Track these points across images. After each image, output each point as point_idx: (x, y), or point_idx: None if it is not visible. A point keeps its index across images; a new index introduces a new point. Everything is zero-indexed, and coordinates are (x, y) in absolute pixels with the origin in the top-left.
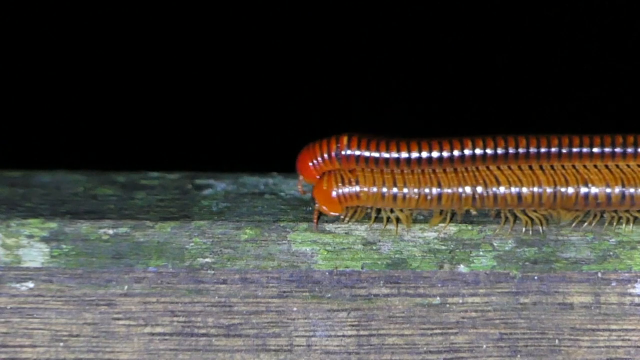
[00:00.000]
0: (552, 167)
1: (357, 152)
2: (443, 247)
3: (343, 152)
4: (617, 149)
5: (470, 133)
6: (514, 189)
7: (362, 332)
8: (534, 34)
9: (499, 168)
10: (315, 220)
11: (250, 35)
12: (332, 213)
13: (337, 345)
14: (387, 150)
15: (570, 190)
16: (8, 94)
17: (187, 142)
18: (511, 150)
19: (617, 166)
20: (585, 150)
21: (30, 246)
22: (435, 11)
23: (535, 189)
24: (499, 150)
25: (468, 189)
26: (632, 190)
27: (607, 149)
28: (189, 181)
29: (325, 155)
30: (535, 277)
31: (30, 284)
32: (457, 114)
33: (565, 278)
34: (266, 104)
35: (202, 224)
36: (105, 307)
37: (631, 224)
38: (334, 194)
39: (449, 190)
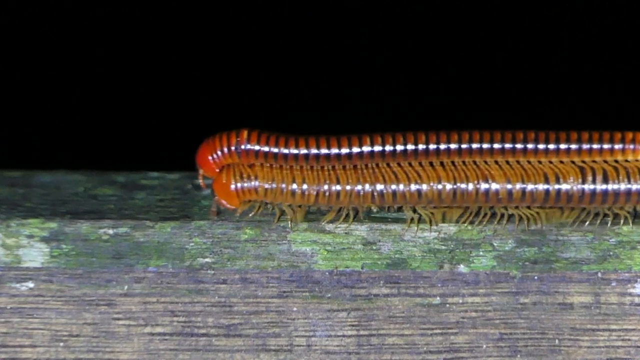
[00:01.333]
0: (453, 163)
1: (257, 147)
2: (443, 247)
3: (243, 147)
4: (518, 145)
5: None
6: (413, 186)
7: (362, 332)
8: (534, 34)
9: (399, 165)
10: (214, 213)
11: (250, 36)
12: (229, 206)
13: (337, 345)
14: (286, 146)
15: (471, 186)
16: (8, 94)
17: (187, 142)
18: (410, 147)
19: (519, 162)
20: (485, 146)
21: (30, 246)
22: (435, 11)
23: (435, 186)
24: (398, 147)
25: (367, 186)
26: (533, 186)
27: (507, 145)
28: (189, 181)
29: (225, 149)
30: (535, 277)
31: (30, 284)
32: (456, 114)
33: (565, 278)
34: (265, 104)
35: (202, 224)
36: (105, 307)
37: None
38: (232, 187)
39: (348, 187)
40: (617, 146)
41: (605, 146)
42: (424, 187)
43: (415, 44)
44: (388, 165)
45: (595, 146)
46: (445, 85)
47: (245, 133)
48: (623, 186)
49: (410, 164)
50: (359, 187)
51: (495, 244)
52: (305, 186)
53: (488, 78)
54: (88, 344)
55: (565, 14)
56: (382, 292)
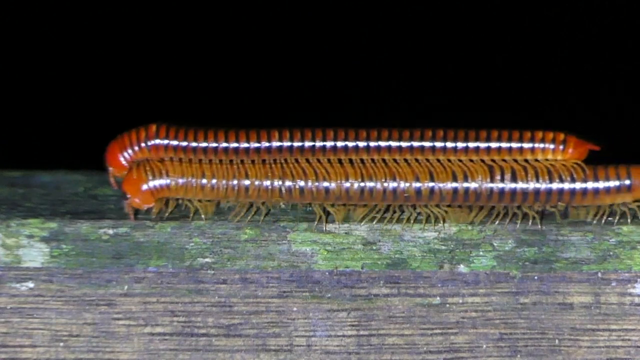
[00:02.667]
0: (362, 160)
1: (166, 142)
2: (443, 247)
3: (153, 142)
4: (426, 144)
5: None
6: (321, 183)
7: (362, 332)
8: (534, 33)
9: (308, 161)
10: (130, 215)
11: (250, 36)
12: (145, 206)
13: (337, 345)
14: (196, 139)
15: (378, 184)
16: (8, 94)
17: None
18: (319, 143)
19: (428, 160)
20: (394, 144)
21: (30, 246)
22: (435, 11)
23: (343, 183)
24: (307, 143)
25: (276, 182)
26: (441, 184)
27: (416, 143)
28: None
29: (135, 146)
30: (535, 277)
31: (30, 284)
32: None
33: (565, 278)
34: (265, 104)
35: (202, 224)
36: (105, 307)
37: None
38: (144, 186)
39: (257, 182)
40: (526, 145)
41: (515, 145)
42: (332, 184)
43: (415, 44)
44: (297, 161)
45: (504, 145)
46: (445, 85)
47: (154, 128)
48: (531, 185)
49: (319, 161)
50: (268, 182)
51: (495, 244)
52: (214, 180)
53: (488, 78)
54: (88, 344)
55: (565, 14)
56: (382, 292)
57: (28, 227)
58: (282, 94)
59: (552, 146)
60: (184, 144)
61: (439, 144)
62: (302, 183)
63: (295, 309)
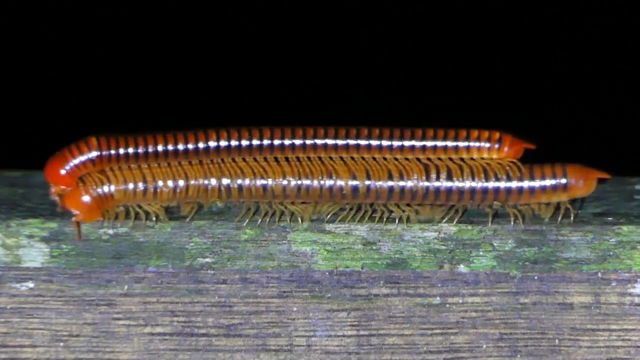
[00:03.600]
0: (298, 159)
1: (109, 152)
2: (443, 247)
3: (96, 154)
4: (362, 142)
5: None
6: (258, 181)
7: (362, 332)
8: (534, 33)
9: (245, 160)
10: (77, 232)
11: (250, 36)
12: (93, 220)
13: (337, 345)
14: (136, 146)
15: (315, 182)
16: (8, 94)
17: None
18: (255, 142)
19: (364, 159)
20: (330, 142)
21: (30, 246)
22: (435, 11)
23: (280, 181)
24: (244, 142)
25: (214, 181)
26: (377, 183)
27: (352, 142)
28: None
29: (78, 160)
30: (535, 277)
31: (30, 284)
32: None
33: (565, 278)
34: (265, 104)
35: (202, 224)
36: (105, 307)
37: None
38: (88, 198)
39: (195, 182)
40: (462, 144)
41: (450, 144)
42: (269, 182)
43: (415, 44)
44: (234, 160)
45: (440, 144)
46: (445, 85)
47: (94, 140)
48: (467, 184)
49: (255, 159)
50: (207, 182)
51: (495, 244)
52: (155, 184)
53: (488, 78)
54: (88, 344)
55: (565, 14)
56: (382, 292)
57: (28, 227)
58: (282, 94)
59: (487, 145)
60: (126, 151)
61: (374, 143)
62: (240, 182)
63: (295, 309)
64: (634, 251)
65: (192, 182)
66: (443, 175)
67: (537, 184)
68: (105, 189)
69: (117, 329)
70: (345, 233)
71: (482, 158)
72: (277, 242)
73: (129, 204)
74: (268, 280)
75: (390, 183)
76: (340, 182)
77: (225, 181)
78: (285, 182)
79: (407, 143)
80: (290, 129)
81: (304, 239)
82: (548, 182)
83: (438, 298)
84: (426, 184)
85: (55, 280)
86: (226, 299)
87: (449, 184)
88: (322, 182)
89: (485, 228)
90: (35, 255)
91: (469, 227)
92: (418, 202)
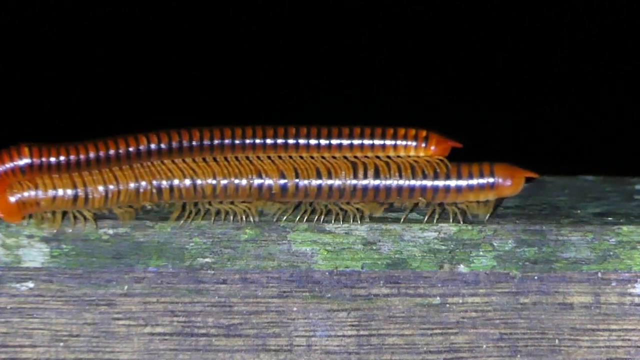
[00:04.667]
0: (226, 159)
1: (39, 160)
2: (443, 247)
3: (26, 162)
4: (290, 141)
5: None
6: (188, 181)
7: (362, 332)
8: (534, 33)
9: (174, 162)
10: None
11: (250, 36)
12: (14, 222)
13: (337, 345)
14: (67, 154)
15: (244, 181)
16: (8, 94)
17: None
18: (185, 144)
19: (292, 157)
20: (258, 141)
21: (30, 246)
22: (436, 11)
23: (210, 181)
24: (174, 144)
25: (144, 184)
26: (305, 181)
27: (280, 141)
28: None
29: (7, 167)
30: (535, 277)
31: (30, 284)
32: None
33: (565, 278)
34: (265, 104)
35: (202, 224)
36: (105, 307)
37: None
38: (12, 199)
39: (127, 187)
40: (389, 142)
41: (378, 142)
42: (199, 182)
43: (415, 44)
44: (163, 162)
45: (367, 142)
46: (445, 85)
47: (25, 149)
48: (395, 182)
49: (184, 161)
50: (137, 185)
51: (495, 244)
52: (86, 190)
53: (488, 78)
54: (88, 344)
55: (565, 13)
56: (382, 292)
57: (28, 227)
58: (282, 94)
59: (414, 143)
60: (57, 160)
61: (302, 141)
62: (170, 183)
63: (295, 309)
64: (634, 251)
65: (123, 186)
66: (371, 173)
67: (464, 182)
68: (31, 194)
69: (117, 329)
70: (345, 233)
71: (409, 156)
72: (277, 242)
73: (58, 209)
74: (268, 280)
75: (318, 181)
76: (269, 181)
77: (156, 183)
78: (214, 182)
79: (335, 141)
80: (219, 130)
81: (304, 239)
82: (475, 181)
83: (438, 298)
84: (354, 182)
85: (55, 280)
86: (226, 299)
87: (376, 181)
88: (251, 181)
89: (485, 228)
90: (35, 255)
91: (469, 227)
92: (346, 200)
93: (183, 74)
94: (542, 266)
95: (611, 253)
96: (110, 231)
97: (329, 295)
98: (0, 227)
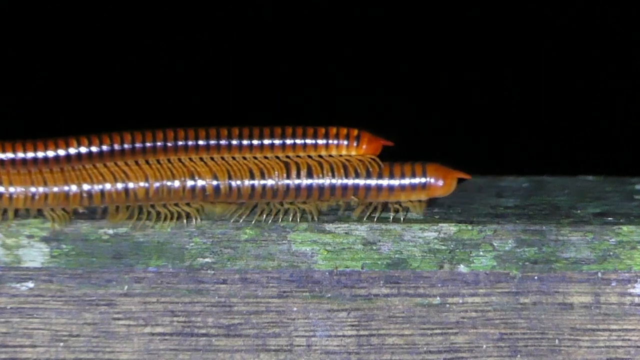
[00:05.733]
0: (159, 161)
1: None
2: (443, 247)
3: None
4: (223, 142)
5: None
6: (120, 185)
7: (362, 332)
8: (534, 33)
9: (105, 165)
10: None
11: (248, 36)
12: None
13: (337, 345)
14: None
15: (177, 183)
16: (8, 94)
17: None
18: (116, 147)
19: (224, 159)
20: (191, 143)
21: (30, 246)
22: (436, 11)
23: (142, 184)
24: (105, 147)
25: (74, 187)
26: (239, 182)
27: (212, 142)
28: None
29: None
30: (535, 277)
31: (30, 284)
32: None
33: (565, 278)
34: (263, 105)
35: (202, 224)
36: (105, 307)
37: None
38: None
39: (56, 189)
40: (321, 142)
41: (310, 142)
42: (131, 185)
43: (415, 44)
44: (95, 166)
45: (299, 142)
46: (446, 85)
47: None
48: (327, 181)
49: (116, 164)
50: (67, 188)
51: (495, 244)
52: (12, 189)
53: (488, 77)
54: (88, 344)
55: (566, 13)
56: (382, 292)
57: (28, 227)
58: (281, 94)
59: (345, 142)
60: None
61: (235, 142)
62: (101, 186)
63: (295, 309)
64: (634, 251)
65: (53, 188)
66: (303, 172)
67: (396, 182)
68: None
69: (117, 329)
70: (345, 233)
71: (342, 155)
72: (277, 242)
73: None
74: (268, 280)
75: (251, 182)
76: (201, 183)
77: (86, 187)
78: (147, 185)
79: (267, 142)
80: (151, 132)
81: (304, 239)
82: (408, 181)
83: (438, 298)
84: (287, 182)
85: (55, 280)
86: (226, 299)
87: (309, 181)
88: (183, 183)
89: (485, 228)
90: (35, 255)
91: (469, 227)
92: (279, 200)
93: (179, 75)
94: (542, 266)
95: (611, 253)
96: (110, 231)
97: (329, 295)
98: (0, 227)
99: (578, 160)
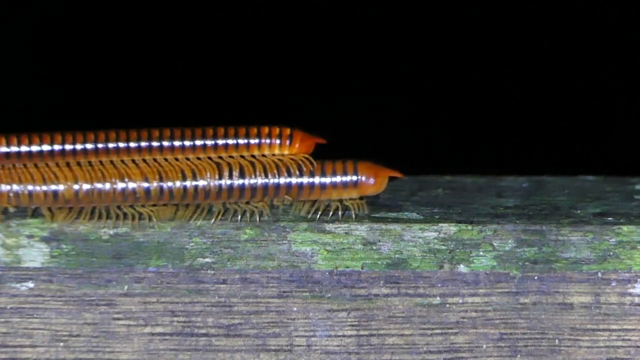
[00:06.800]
0: (90, 163)
1: None
2: (443, 247)
3: None
4: (154, 143)
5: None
6: (47, 187)
7: (362, 332)
8: (534, 33)
9: (36, 165)
10: None
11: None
12: None
13: (337, 345)
14: None
15: (107, 185)
16: (8, 94)
17: None
18: (46, 148)
19: (156, 160)
20: (121, 145)
21: (30, 246)
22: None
23: (72, 185)
24: (34, 148)
25: (3, 187)
26: (170, 184)
27: (143, 144)
28: None
29: None
30: (535, 277)
31: (30, 284)
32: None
33: (565, 278)
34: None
35: (202, 224)
36: (105, 307)
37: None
38: None
39: None
40: (253, 141)
41: (242, 142)
42: (60, 187)
43: (416, 44)
44: (25, 166)
45: (231, 142)
46: (446, 85)
47: None
48: (260, 180)
49: (47, 164)
50: None
51: (495, 244)
52: None
53: (487, 77)
54: (88, 344)
55: (566, 13)
56: (382, 292)
57: (28, 227)
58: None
59: (278, 141)
60: None
61: (166, 144)
62: (30, 187)
63: (295, 309)
64: (634, 251)
65: None
66: (235, 172)
67: (328, 180)
68: None
69: (117, 329)
70: (345, 233)
71: (274, 154)
72: (277, 242)
73: None
74: (268, 280)
75: (183, 183)
76: (132, 185)
77: (15, 187)
78: (77, 187)
79: (198, 142)
80: (82, 134)
81: (304, 239)
82: (339, 179)
83: (438, 298)
84: (219, 182)
85: (55, 280)
86: (226, 299)
87: (241, 181)
88: (114, 185)
89: (485, 228)
90: (35, 255)
91: (469, 227)
92: (212, 201)
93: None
94: (542, 266)
95: (611, 253)
96: (110, 231)
97: (329, 295)
98: (0, 227)
99: (578, 160)
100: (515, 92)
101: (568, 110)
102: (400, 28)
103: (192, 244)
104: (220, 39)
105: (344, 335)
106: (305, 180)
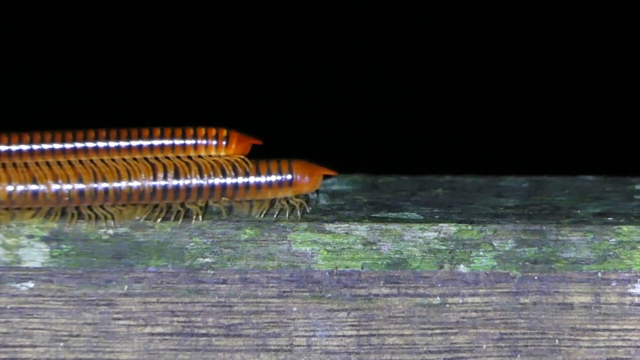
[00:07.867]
0: (26, 164)
1: None
2: (443, 247)
3: None
4: (89, 144)
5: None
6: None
7: (362, 332)
8: (534, 33)
9: None
10: None
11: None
12: None
13: (337, 345)
14: None
15: (42, 187)
16: (8, 94)
17: None
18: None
19: (92, 161)
20: (57, 146)
21: (30, 246)
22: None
23: (5, 187)
24: None
25: None
26: (105, 185)
27: (78, 145)
28: None
29: None
30: (535, 277)
31: (30, 284)
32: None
33: (565, 278)
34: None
35: (202, 224)
36: (105, 307)
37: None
38: None
39: None
40: (189, 142)
41: (178, 142)
42: (8, 188)
43: (417, 44)
44: None
45: (167, 142)
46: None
47: None
48: (194, 181)
49: (3, 165)
50: None
51: (495, 244)
52: None
53: (487, 77)
54: (88, 344)
55: (566, 13)
56: (382, 292)
57: (28, 227)
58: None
59: (214, 142)
60: None
61: (102, 144)
62: None
63: (295, 309)
64: (634, 251)
65: None
66: (170, 173)
67: (263, 179)
68: None
69: (117, 329)
70: (345, 233)
71: (210, 155)
72: (277, 242)
73: None
74: (268, 280)
75: (118, 184)
76: (67, 186)
77: None
78: (10, 188)
79: (134, 143)
80: (18, 135)
81: (304, 239)
82: (274, 178)
83: (438, 298)
84: (153, 183)
85: (55, 280)
86: (226, 299)
87: (175, 182)
88: (49, 186)
89: (485, 228)
90: (35, 255)
91: (469, 227)
92: (146, 202)
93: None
94: (542, 266)
95: (611, 253)
96: (110, 231)
97: (329, 295)
98: (0, 227)
99: (578, 160)
100: (516, 92)
101: (568, 110)
102: (400, 28)
103: (192, 244)
104: (221, 39)
105: (344, 335)
106: (240, 180)
